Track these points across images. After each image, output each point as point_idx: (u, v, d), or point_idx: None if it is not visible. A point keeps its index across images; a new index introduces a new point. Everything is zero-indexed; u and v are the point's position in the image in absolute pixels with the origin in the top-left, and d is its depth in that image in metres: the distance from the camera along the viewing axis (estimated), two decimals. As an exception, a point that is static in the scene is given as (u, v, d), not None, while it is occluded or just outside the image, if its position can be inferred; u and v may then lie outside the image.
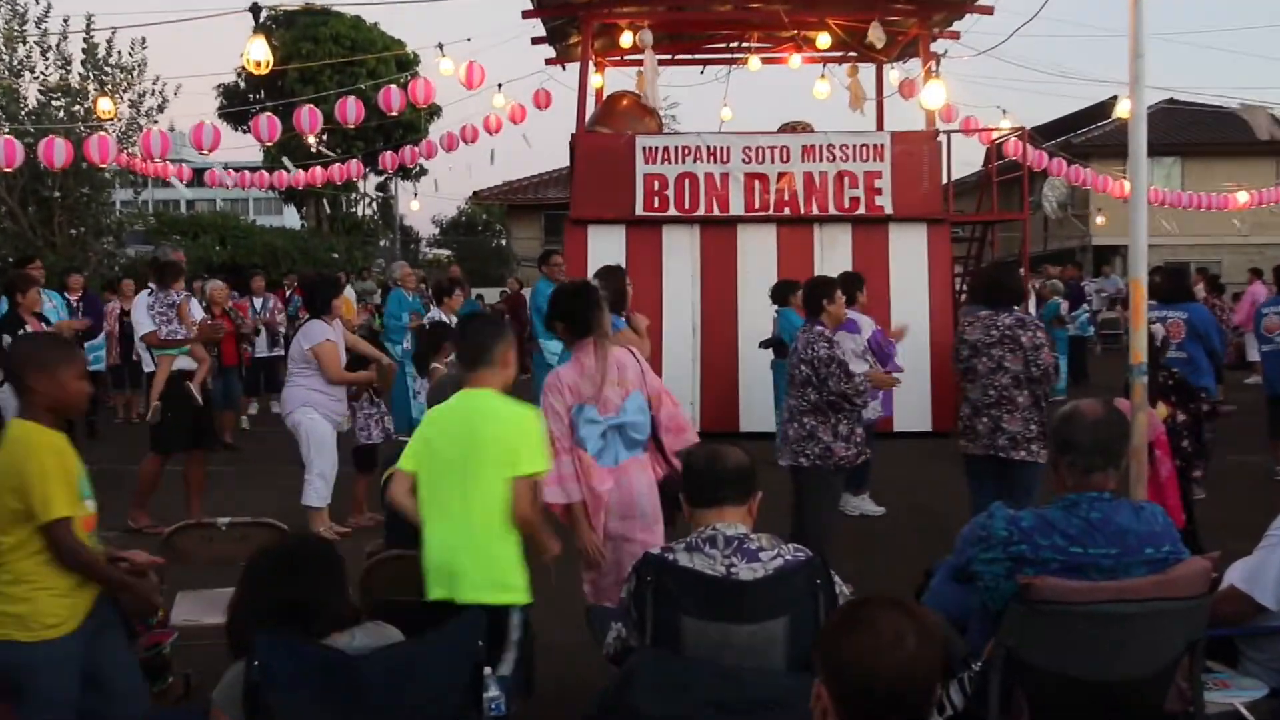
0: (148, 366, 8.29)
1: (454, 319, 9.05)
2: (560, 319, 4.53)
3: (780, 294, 9.70)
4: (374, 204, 40.10)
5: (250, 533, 4.57)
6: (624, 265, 12.15)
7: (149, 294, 8.25)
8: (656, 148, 12.50)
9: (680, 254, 12.52)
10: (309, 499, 7.46)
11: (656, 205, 12.46)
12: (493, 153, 19.81)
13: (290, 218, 48.97)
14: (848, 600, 2.16)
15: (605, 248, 12.22)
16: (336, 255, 27.06)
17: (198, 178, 21.66)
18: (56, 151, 12.51)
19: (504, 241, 39.40)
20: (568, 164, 13.58)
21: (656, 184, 12.45)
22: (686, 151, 12.48)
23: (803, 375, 5.99)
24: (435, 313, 9.40)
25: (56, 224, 18.23)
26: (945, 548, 3.61)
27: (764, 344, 10.31)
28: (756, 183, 12.47)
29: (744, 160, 12.47)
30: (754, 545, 3.15)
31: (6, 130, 16.32)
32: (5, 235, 17.41)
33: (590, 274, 11.95)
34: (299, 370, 7.56)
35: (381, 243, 38.51)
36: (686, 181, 12.44)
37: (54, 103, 18.31)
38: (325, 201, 31.01)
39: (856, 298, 8.01)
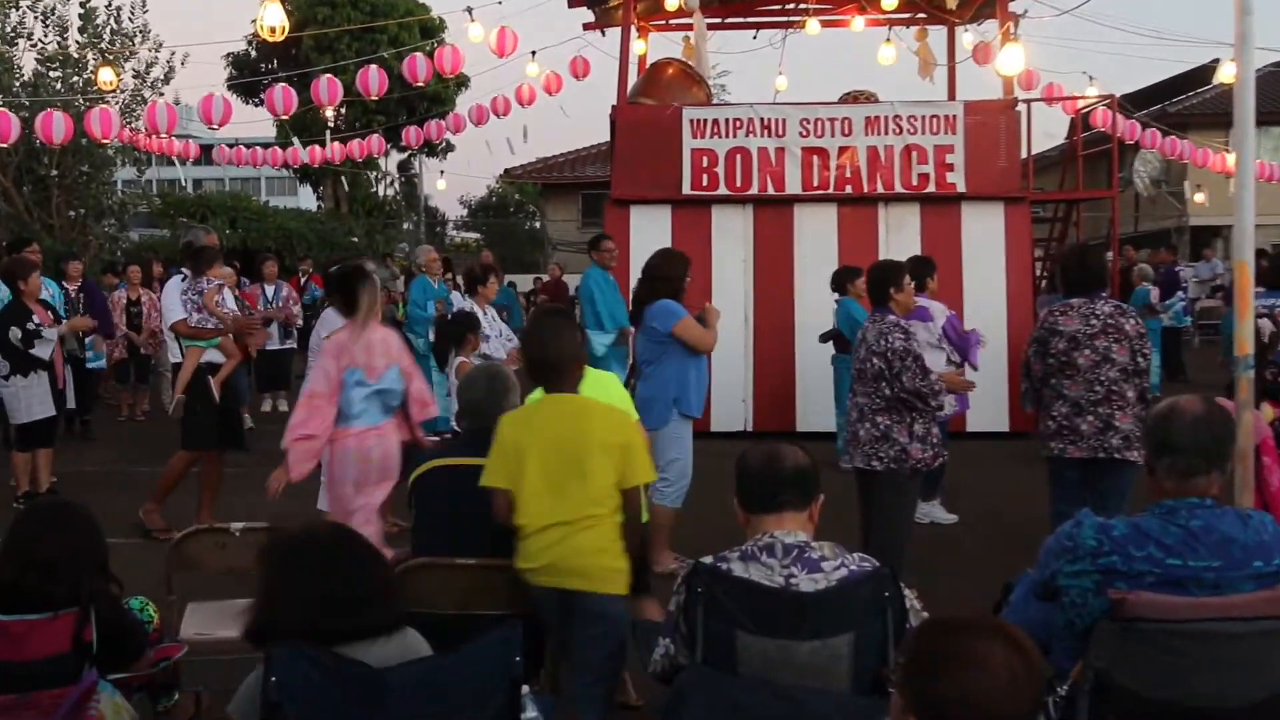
0: (174, 357, 8.32)
1: (489, 310, 9.09)
2: (336, 296, 6.01)
3: (840, 281, 9.65)
4: (396, 183, 40.37)
5: (266, 538, 4.61)
6: (670, 246, 12.27)
7: (181, 279, 8.23)
8: (705, 120, 12.48)
9: (731, 237, 12.51)
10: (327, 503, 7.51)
11: (705, 184, 12.45)
12: (525, 128, 19.88)
13: (306, 198, 49.46)
14: (933, 623, 2.14)
15: (649, 230, 12.23)
16: (356, 239, 27.30)
17: (205, 155, 21.93)
18: (55, 126, 12.61)
19: (538, 224, 39.55)
20: (608, 139, 13.59)
21: (705, 160, 12.45)
22: (738, 124, 12.45)
23: (874, 369, 5.96)
24: (463, 302, 9.45)
25: (54, 205, 18.51)
26: (1025, 560, 3.58)
27: (824, 337, 10.27)
28: (815, 158, 12.43)
29: (801, 134, 12.42)
30: (815, 554, 3.15)
31: (0, 103, 16.55)
32: (0, 218, 17.69)
33: (632, 258, 12.19)
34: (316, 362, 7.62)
35: (405, 225, 38.77)
36: (738, 157, 12.42)
37: (51, 73, 18.53)
38: (344, 181, 31.24)
39: (927, 284, 7.96)
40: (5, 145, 13.60)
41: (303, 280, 16.03)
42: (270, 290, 13.77)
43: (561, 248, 33.15)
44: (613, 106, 13.09)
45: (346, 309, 5.91)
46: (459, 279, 12.45)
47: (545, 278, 23.80)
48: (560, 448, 3.99)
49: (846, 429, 6.42)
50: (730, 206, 12.53)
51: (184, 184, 41.15)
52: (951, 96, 14.67)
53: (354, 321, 5.84)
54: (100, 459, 10.79)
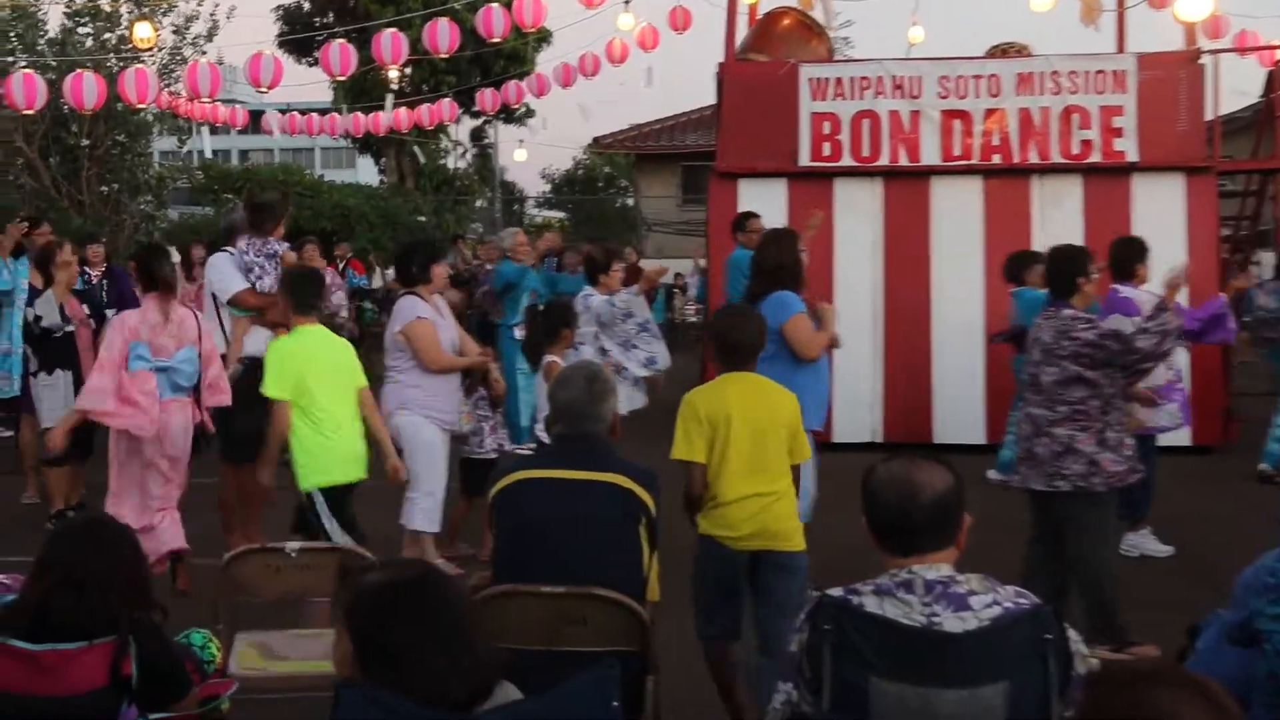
0: (225, 347, 8.08)
1: (616, 302, 9.02)
2: (141, 274, 7.46)
3: (1016, 269, 9.55)
4: (468, 154, 40.78)
5: (323, 561, 4.71)
6: (786, 223, 12.25)
7: (245, 242, 8.03)
8: (827, 80, 12.42)
9: (857, 215, 12.44)
10: (413, 520, 7.57)
11: (827, 153, 12.39)
12: (624, 84, 19.57)
13: (365, 171, 50.19)
14: (1109, 674, 2.09)
15: (760, 207, 12.15)
16: (423, 218, 27.56)
17: (253, 123, 22.36)
18: (86, 88, 12.86)
19: (630, 200, 39.67)
20: (712, 102, 13.59)
21: (827, 126, 12.38)
22: (865, 84, 12.37)
23: (1054, 375, 5.88)
24: (593, 294, 9.34)
25: (85, 179, 18.93)
26: (1215, 599, 3.51)
27: (998, 337, 10.14)
28: (956, 123, 12.30)
29: (940, 94, 12.31)
30: (962, 589, 3.11)
31: (23, 63, 16.95)
32: (24, 193, 18.11)
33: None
34: (394, 361, 7.56)
35: (478, 202, 39.17)
36: (865, 122, 12.34)
37: (80, 29, 18.92)
38: (417, 151, 31.62)
39: (1137, 271, 7.76)
40: (31, 111, 13.94)
41: (341, 266, 16.14)
42: None
43: (658, 228, 33.22)
44: (719, 64, 13.08)
45: (145, 285, 7.31)
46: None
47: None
48: (753, 424, 5.02)
49: (1017, 445, 6.34)
50: (856, 180, 12.46)
51: (220, 156, 41.92)
52: (1121, 48, 14.35)
53: (150, 297, 7.21)
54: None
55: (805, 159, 12.40)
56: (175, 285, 7.32)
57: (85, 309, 9.24)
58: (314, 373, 6.36)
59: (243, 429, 7.73)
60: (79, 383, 8.75)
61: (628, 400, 8.93)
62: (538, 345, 7.50)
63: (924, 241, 12.34)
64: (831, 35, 13.94)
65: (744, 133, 12.59)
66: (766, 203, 12.30)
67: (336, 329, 10.01)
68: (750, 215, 10.74)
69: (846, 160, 12.38)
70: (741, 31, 13.44)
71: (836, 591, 3.27)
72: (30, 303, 9.07)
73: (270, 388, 6.31)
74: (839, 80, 12.43)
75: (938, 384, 11.99)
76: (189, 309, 7.50)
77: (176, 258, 10.81)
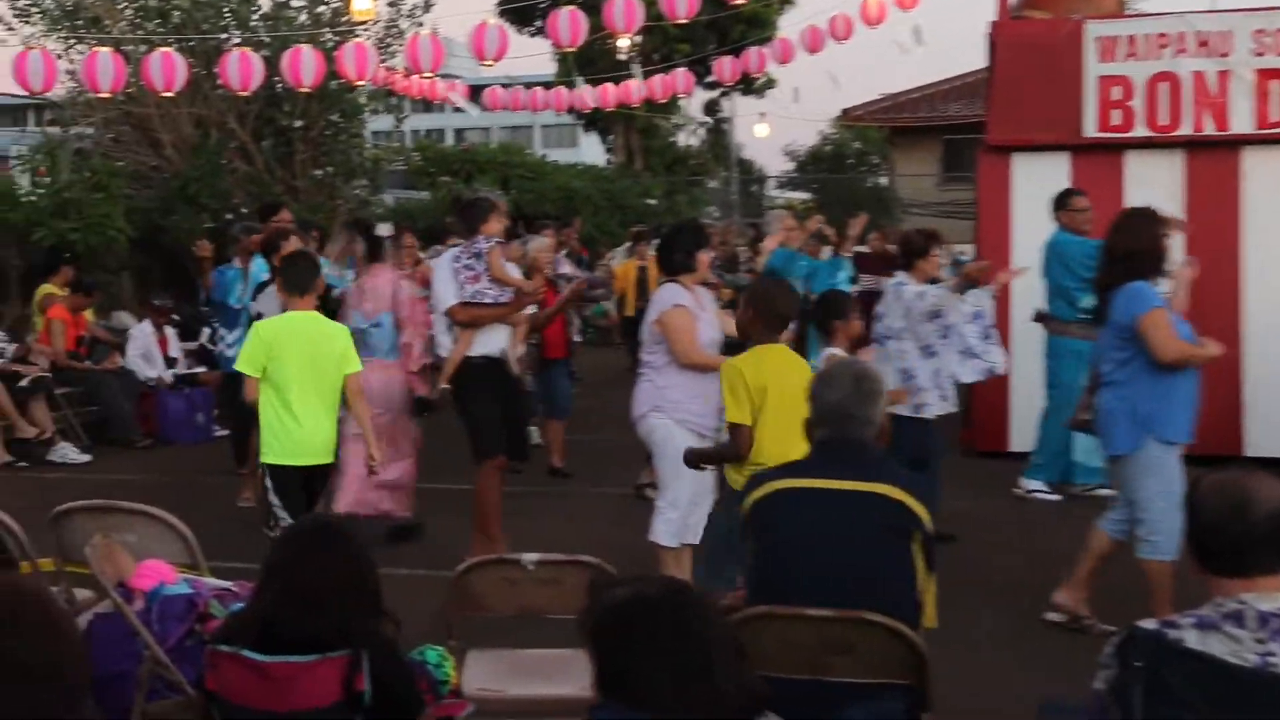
0: (446, 351, 8.56)
1: (933, 292, 8.89)
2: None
3: None
4: (702, 130, 41.02)
5: (565, 575, 4.79)
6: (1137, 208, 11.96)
7: (458, 247, 8.48)
8: (1117, 38, 12.07)
9: (1152, 193, 11.87)
10: (655, 532, 7.65)
11: (1116, 122, 12.04)
12: (900, 44, 18.99)
13: (588, 150, 50.97)
14: None
15: (1038, 184, 11.92)
16: (653, 201, 27.86)
17: (473, 97, 22.90)
18: (304, 65, 13.24)
19: (883, 179, 39.29)
20: (979, 66, 13.38)
21: (1117, 91, 12.03)
22: (1163, 41, 11.98)
23: None
24: (907, 284, 9.22)
25: (298, 162, 19.66)
26: None
27: None
28: (1274, 84, 11.81)
29: (1255, 51, 11.82)
30: (1304, 624, 3.00)
31: (237, 40, 17.69)
32: (236, 178, 18.85)
33: (1015, 222, 11.95)
34: (649, 356, 7.55)
35: (711, 183, 39.36)
36: (1163, 86, 11.95)
37: (294, 2, 19.66)
38: (642, 126, 31.97)
39: None
40: (248, 92, 14.54)
41: (565, 252, 16.20)
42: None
43: (914, 210, 32.83)
44: (990, 23, 12.87)
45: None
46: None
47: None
48: (788, 392, 5.84)
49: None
50: (1151, 153, 12.07)
51: (433, 135, 42.97)
52: None
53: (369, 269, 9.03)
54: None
55: (1091, 129, 12.07)
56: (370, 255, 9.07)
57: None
58: (288, 356, 7.02)
59: (489, 423, 8.25)
60: None
61: (935, 405, 8.86)
62: (814, 334, 7.51)
63: (1233, 224, 11.89)
64: (1123, -13, 13.53)
65: (1019, 100, 12.33)
66: (1045, 179, 12.01)
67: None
68: (1073, 192, 10.50)
69: (1140, 130, 12.00)
70: (1017, -15, 13.19)
71: (1150, 624, 3.18)
72: (254, 296, 9.43)
73: (240, 363, 7.16)
74: (1131, 38, 12.05)
75: (1248, 389, 11.56)
76: (391, 279, 9.01)
77: (388, 232, 11.34)
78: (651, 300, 7.70)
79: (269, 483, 7.21)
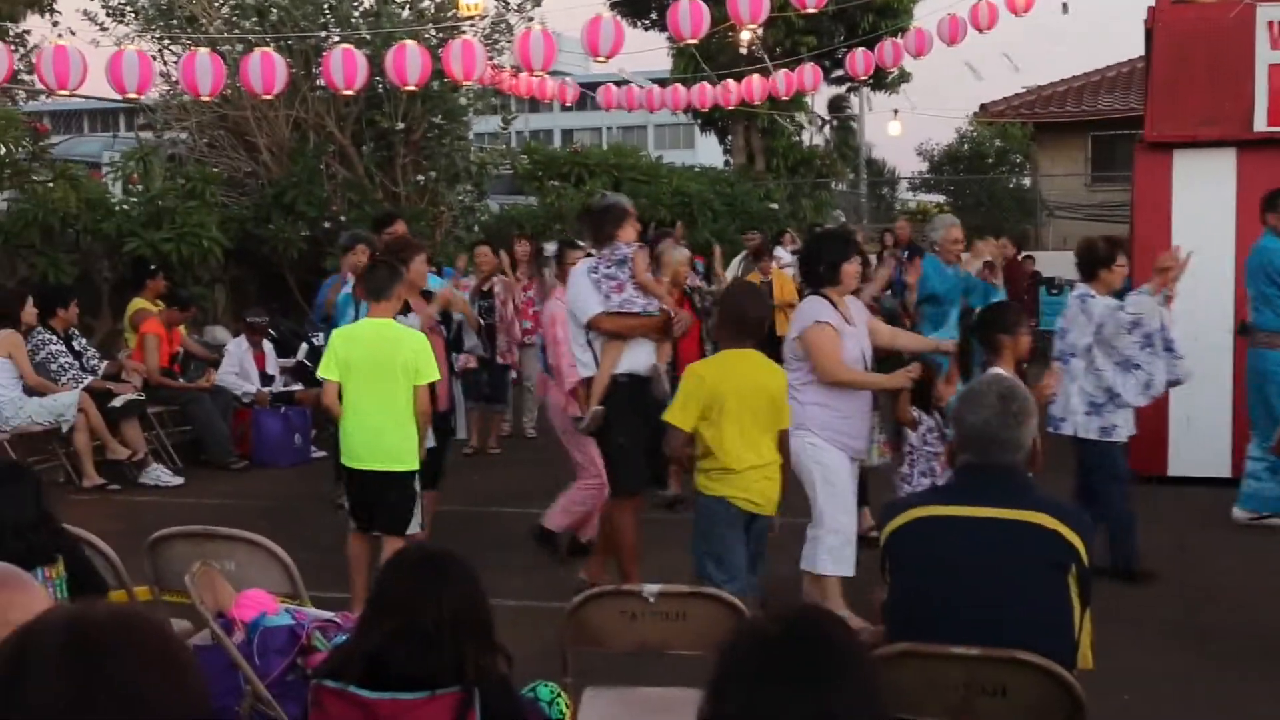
0: (587, 369, 8.35)
1: (1129, 306, 8.71)
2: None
3: None
4: (828, 128, 40.83)
5: (689, 607, 4.78)
6: (1234, 209, 11.74)
7: (595, 258, 8.37)
8: (1294, 21, 11.85)
9: (1329, 193, 11.79)
10: (816, 561, 7.59)
11: (1292, 116, 11.81)
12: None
13: (705, 151, 50.97)
14: None
15: (1201, 184, 11.78)
16: (775, 205, 27.77)
17: (582, 98, 22.91)
18: (410, 63, 13.28)
19: (1026, 180, 38.83)
20: (1131, 56, 13.21)
21: (1292, 81, 11.81)
22: (1349, 24, 11.74)
23: None
24: (1093, 295, 9.10)
25: (400, 167, 19.82)
26: None
27: None
28: None
29: None
30: None
31: (337, 38, 17.87)
32: (335, 183, 18.99)
33: (1176, 223, 11.73)
34: (792, 374, 7.45)
35: (836, 185, 39.16)
36: (1347, 74, 11.70)
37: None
38: (764, 125, 31.87)
39: None
40: (353, 92, 14.67)
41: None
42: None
43: (1061, 213, 32.41)
44: (1149, 8, 12.68)
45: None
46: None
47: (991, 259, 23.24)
48: (749, 396, 6.67)
49: None
50: (1329, 151, 11.81)
51: (540, 136, 43.17)
52: None
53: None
54: (457, 495, 11.46)
55: (1262, 123, 11.81)
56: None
57: (436, 314, 9.40)
58: (354, 362, 7.56)
59: (635, 455, 8.10)
60: (434, 400, 9.05)
61: (1126, 426, 8.77)
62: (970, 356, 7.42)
63: None
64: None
65: (1181, 92, 12.14)
66: (1210, 178, 11.89)
67: None
68: None
69: (1317, 124, 11.76)
70: (1178, -33, 12.98)
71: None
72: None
73: (320, 369, 7.73)
74: (1309, 22, 11.82)
75: None
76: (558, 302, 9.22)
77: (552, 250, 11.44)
78: (795, 314, 7.69)
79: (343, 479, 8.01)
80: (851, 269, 7.64)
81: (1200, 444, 11.53)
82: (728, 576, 6.59)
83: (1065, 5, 19.40)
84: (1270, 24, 11.80)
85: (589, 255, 8.55)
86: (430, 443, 8.88)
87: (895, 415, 8.04)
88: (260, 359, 14.28)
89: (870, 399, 7.71)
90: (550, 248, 9.83)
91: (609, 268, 8.17)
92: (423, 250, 9.48)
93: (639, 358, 8.20)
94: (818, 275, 7.62)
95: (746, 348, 6.77)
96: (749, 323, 6.85)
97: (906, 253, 19.95)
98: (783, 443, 6.87)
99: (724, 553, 6.77)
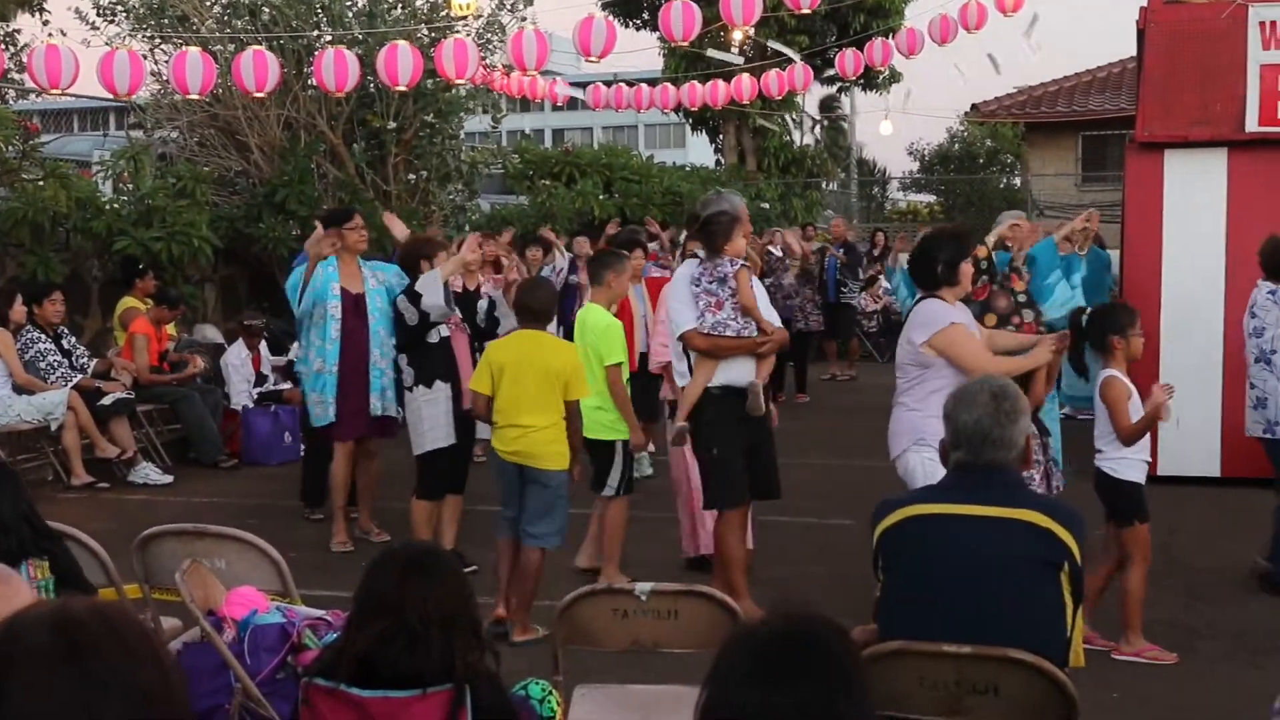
0: (682, 379, 8.15)
1: None
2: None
3: None
4: (819, 128, 40.84)
5: (683, 606, 4.77)
6: (1225, 209, 11.75)
7: (697, 266, 8.06)
8: (1285, 21, 11.88)
9: (1321, 194, 11.83)
10: None
11: (1283, 116, 11.84)
12: (1029, 33, 18.31)
13: (696, 150, 50.94)
14: None
15: (1192, 185, 11.80)
16: (766, 204, 27.77)
17: (572, 98, 22.84)
18: (401, 63, 13.25)
19: (1017, 180, 38.86)
20: (1122, 56, 13.24)
21: (1283, 81, 11.84)
22: (1337, 25, 11.76)
23: None
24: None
25: (392, 166, 19.83)
26: None
27: None
28: None
29: None
30: None
31: (328, 38, 17.84)
32: (326, 183, 19.00)
33: (1167, 224, 11.75)
34: (908, 384, 7.16)
35: (828, 185, 39.13)
36: (1335, 75, 11.72)
37: (388, -2, 19.79)
38: (754, 126, 31.85)
39: None
40: (343, 93, 14.66)
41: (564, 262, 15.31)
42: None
43: (1051, 213, 32.43)
44: (1141, 8, 12.73)
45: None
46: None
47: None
48: (525, 369, 7.65)
49: None
50: (1319, 149, 11.84)
51: (531, 136, 43.12)
52: None
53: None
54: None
55: (1253, 123, 11.84)
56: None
57: (458, 313, 9.44)
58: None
59: (732, 468, 7.95)
60: (458, 398, 9.09)
61: None
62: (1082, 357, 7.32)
63: None
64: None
65: (1173, 92, 12.17)
66: (1200, 178, 11.93)
67: None
68: None
69: (1309, 124, 11.78)
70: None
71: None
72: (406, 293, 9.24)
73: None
74: (1303, 22, 11.84)
75: None
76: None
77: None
78: (909, 319, 7.21)
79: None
80: (968, 268, 7.20)
81: (1189, 443, 11.52)
82: (506, 509, 7.91)
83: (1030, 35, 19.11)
84: (1262, 25, 11.82)
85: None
86: (446, 441, 9.13)
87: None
88: (256, 360, 14.29)
89: None
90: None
91: (710, 282, 7.89)
92: (445, 247, 9.57)
93: (737, 370, 7.93)
94: (934, 276, 7.14)
95: (532, 329, 7.84)
96: (530, 310, 7.87)
97: (842, 249, 20.07)
98: (571, 412, 7.72)
99: (502, 490, 7.96)
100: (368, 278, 10.01)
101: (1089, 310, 7.87)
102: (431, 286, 8.92)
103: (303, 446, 12.51)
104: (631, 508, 8.79)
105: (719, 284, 7.86)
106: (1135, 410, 7.19)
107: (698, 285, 7.91)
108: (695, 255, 8.38)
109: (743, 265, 7.98)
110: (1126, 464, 7.35)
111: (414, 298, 9.00)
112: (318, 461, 10.75)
